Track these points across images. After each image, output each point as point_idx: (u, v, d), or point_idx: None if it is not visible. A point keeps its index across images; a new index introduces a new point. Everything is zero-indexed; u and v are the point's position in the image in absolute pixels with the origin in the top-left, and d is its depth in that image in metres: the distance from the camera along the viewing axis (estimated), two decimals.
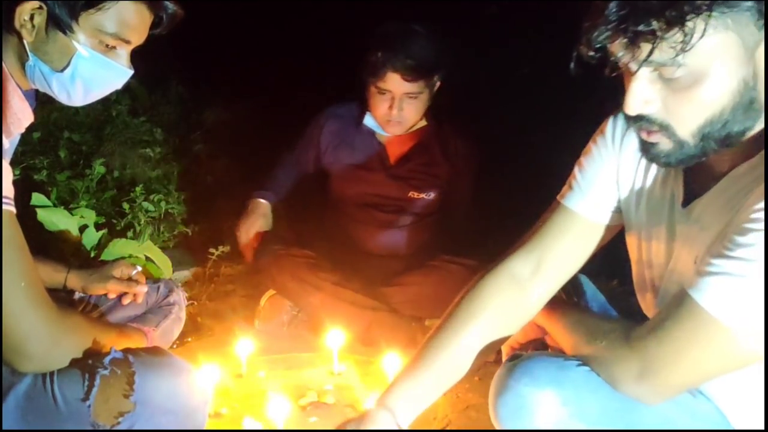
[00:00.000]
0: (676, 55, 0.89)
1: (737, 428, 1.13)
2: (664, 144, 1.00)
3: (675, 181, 1.13)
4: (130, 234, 2.53)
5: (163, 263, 2.30)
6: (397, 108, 2.14)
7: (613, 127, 1.22)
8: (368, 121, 2.26)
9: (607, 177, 1.23)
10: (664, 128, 0.98)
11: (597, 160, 1.24)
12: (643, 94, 0.96)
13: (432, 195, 2.32)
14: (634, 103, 0.96)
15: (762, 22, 0.89)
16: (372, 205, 2.33)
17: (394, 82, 2.12)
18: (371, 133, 2.32)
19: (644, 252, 1.22)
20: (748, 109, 0.95)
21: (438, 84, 2.24)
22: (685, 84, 0.93)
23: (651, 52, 0.90)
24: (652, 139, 1.01)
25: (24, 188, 2.11)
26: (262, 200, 2.36)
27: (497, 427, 1.16)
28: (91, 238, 2.24)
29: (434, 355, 1.25)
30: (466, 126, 2.39)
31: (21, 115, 1.22)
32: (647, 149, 1.03)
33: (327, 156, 2.37)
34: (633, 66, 0.95)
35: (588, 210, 1.25)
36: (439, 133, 2.33)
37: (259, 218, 2.33)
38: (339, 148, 2.34)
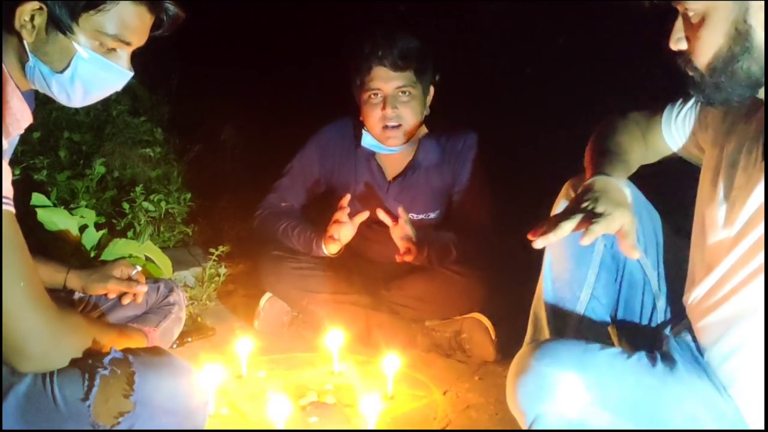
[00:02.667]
0: None
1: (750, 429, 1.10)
2: (697, 77, 1.11)
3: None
4: (130, 234, 2.53)
5: (163, 263, 2.30)
6: (390, 106, 2.09)
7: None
8: (366, 140, 2.20)
9: None
10: (691, 62, 1.10)
11: None
12: (677, 32, 1.11)
13: (431, 216, 2.28)
14: (672, 39, 1.12)
15: None
16: (372, 226, 2.28)
17: (382, 76, 2.08)
18: (370, 154, 2.26)
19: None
20: (745, 52, 1.04)
21: (432, 90, 2.20)
22: (696, 22, 1.07)
23: None
24: (690, 72, 1.12)
25: (24, 188, 2.11)
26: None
27: (513, 409, 1.12)
28: (91, 238, 2.23)
29: None
30: (466, 130, 2.31)
31: (20, 116, 1.21)
32: (689, 82, 1.14)
33: (330, 178, 2.33)
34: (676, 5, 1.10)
35: None
36: (437, 144, 2.26)
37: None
38: (339, 170, 2.31)
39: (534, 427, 1.09)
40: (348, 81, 2.21)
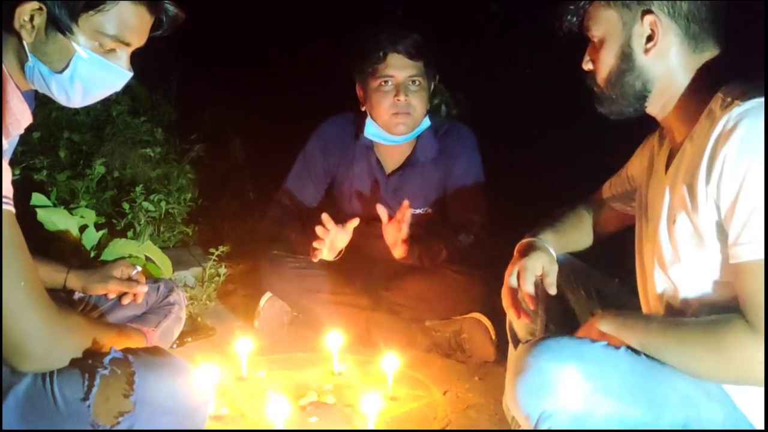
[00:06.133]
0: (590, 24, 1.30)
1: (741, 412, 1.13)
2: (598, 92, 1.32)
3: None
4: (130, 234, 2.53)
5: (163, 263, 2.30)
6: (402, 94, 2.10)
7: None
8: (369, 130, 2.21)
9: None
10: (595, 80, 1.32)
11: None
12: (587, 56, 1.33)
13: (429, 210, 2.30)
14: (584, 61, 1.34)
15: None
16: (372, 223, 2.29)
17: (397, 63, 2.10)
18: (368, 147, 2.28)
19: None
20: (629, 69, 1.26)
21: (436, 79, 2.22)
22: (598, 45, 1.29)
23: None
24: (596, 90, 1.33)
25: (24, 188, 2.11)
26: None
27: (515, 412, 1.14)
28: (91, 238, 2.24)
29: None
30: (460, 125, 2.35)
31: (20, 116, 1.21)
32: (594, 98, 1.34)
33: (332, 170, 2.34)
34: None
35: None
36: (434, 139, 2.28)
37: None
38: (340, 163, 2.32)
39: (539, 427, 1.10)
40: (348, 77, 2.22)
